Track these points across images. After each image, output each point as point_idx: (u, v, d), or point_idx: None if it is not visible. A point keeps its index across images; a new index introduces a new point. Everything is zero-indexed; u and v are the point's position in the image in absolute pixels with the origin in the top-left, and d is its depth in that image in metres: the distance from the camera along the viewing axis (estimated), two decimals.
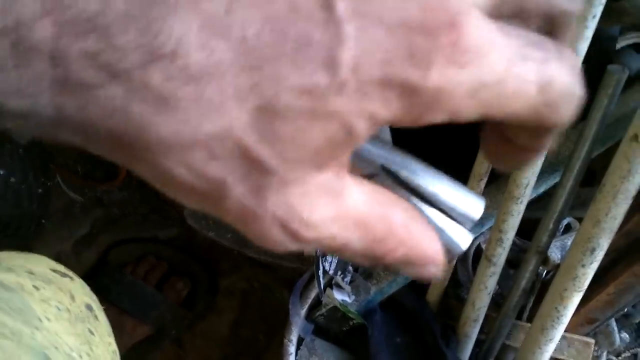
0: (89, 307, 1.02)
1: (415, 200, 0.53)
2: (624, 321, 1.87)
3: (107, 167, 2.14)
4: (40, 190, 1.76)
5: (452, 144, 1.86)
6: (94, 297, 1.07)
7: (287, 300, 1.59)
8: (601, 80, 1.14)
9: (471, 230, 0.53)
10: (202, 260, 2.18)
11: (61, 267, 1.04)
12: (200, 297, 2.14)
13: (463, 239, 0.53)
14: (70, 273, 1.06)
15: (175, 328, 2.06)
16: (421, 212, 0.53)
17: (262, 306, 2.13)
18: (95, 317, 1.02)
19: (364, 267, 1.56)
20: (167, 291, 2.07)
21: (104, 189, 2.17)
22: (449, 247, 0.54)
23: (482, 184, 1.41)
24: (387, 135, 1.17)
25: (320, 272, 1.44)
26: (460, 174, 1.37)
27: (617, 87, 1.13)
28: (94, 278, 2.01)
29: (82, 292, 1.04)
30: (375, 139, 0.54)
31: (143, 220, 2.19)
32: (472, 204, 0.54)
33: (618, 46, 1.82)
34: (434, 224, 0.53)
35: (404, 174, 0.53)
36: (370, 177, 0.53)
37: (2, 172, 1.62)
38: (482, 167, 1.39)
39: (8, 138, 1.67)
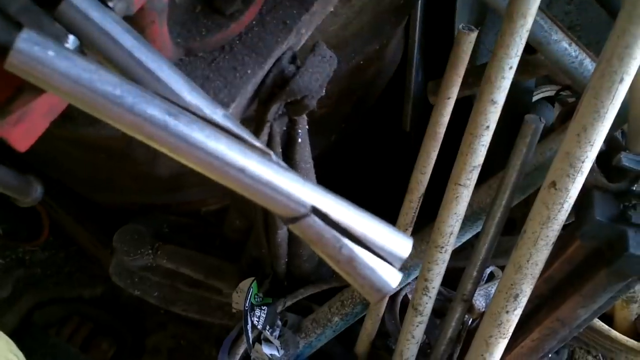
0: None
1: (346, 240, 0.54)
2: None
3: (29, 226, 2.10)
4: None
5: (377, 196, 1.89)
6: (20, 354, 1.04)
7: (215, 357, 1.57)
8: (519, 131, 1.18)
9: (401, 269, 0.54)
10: (127, 318, 2.14)
11: None
12: (126, 356, 2.10)
13: (393, 278, 0.54)
14: None
15: None
16: (352, 253, 0.54)
17: None
18: None
19: (293, 322, 1.56)
20: (92, 352, 2.03)
21: (26, 249, 2.13)
22: (379, 287, 0.55)
23: (407, 234, 1.43)
24: (313, 178, 1.18)
25: (249, 326, 1.43)
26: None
27: (535, 136, 1.16)
28: (16, 341, 1.96)
29: (6, 349, 1.01)
30: (306, 180, 0.55)
31: (67, 279, 2.15)
32: (400, 243, 0.55)
33: (534, 99, 1.89)
34: (365, 263, 0.54)
35: (333, 215, 0.54)
36: (302, 217, 0.54)
37: None
38: (406, 217, 1.41)
39: None
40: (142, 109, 0.51)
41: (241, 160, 0.53)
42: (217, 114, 0.55)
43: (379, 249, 0.54)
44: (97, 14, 0.54)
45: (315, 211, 0.54)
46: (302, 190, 0.54)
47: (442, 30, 1.72)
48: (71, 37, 0.56)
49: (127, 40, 0.56)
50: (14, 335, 1.98)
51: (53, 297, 2.12)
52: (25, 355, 1.92)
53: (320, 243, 0.55)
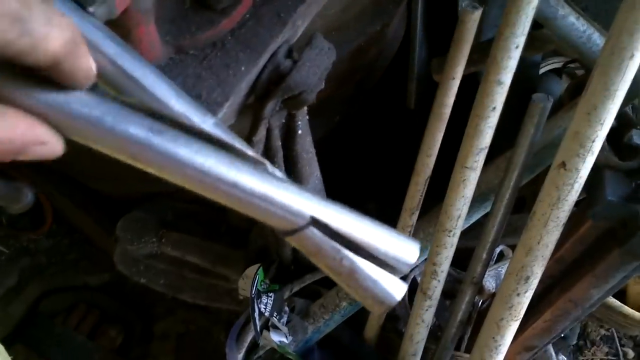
0: None
1: (347, 252, 0.52)
2: (561, 343, 1.88)
3: (33, 214, 2.09)
4: None
5: (384, 179, 1.86)
6: (0, 347, 1.03)
7: (224, 342, 1.56)
8: (527, 109, 1.15)
9: (406, 277, 0.52)
10: (135, 305, 2.13)
11: None
12: (134, 343, 2.09)
13: (397, 290, 0.52)
14: None
15: None
16: (353, 264, 0.52)
17: (199, 349, 2.09)
18: None
19: (301, 307, 1.54)
20: (100, 340, 2.02)
21: (31, 238, 2.12)
22: (382, 299, 0.53)
23: (414, 217, 1.41)
24: (315, 166, 1.13)
25: (256, 314, 1.41)
26: (393, 208, 1.37)
27: (543, 115, 1.14)
28: (23, 330, 1.96)
29: None
30: (303, 189, 0.52)
31: (73, 267, 2.14)
32: (406, 249, 0.53)
33: (540, 71, 1.85)
34: (367, 275, 0.52)
35: (334, 225, 0.52)
36: (299, 230, 0.52)
37: None
38: (413, 201, 1.39)
39: None
40: (123, 128, 0.48)
41: (233, 174, 0.50)
42: (206, 123, 0.52)
43: (383, 255, 0.52)
44: (76, 20, 0.51)
45: (314, 222, 0.52)
46: (299, 202, 0.51)
47: (445, 4, 1.68)
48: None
49: (110, 47, 0.52)
50: (21, 325, 1.99)
51: (59, 285, 2.11)
52: (33, 344, 1.92)
53: (320, 255, 0.53)
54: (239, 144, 0.52)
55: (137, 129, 0.48)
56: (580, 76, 1.80)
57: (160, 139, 0.48)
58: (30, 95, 0.46)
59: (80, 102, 0.47)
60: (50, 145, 0.48)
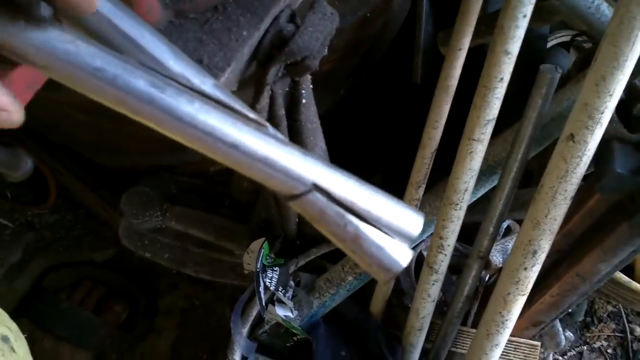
0: (4, 339, 0.97)
1: (351, 217, 0.50)
2: (567, 320, 1.88)
3: (37, 189, 2.08)
4: None
5: (390, 152, 1.85)
6: (13, 325, 1.01)
7: (229, 317, 1.55)
8: (534, 81, 1.13)
9: (412, 245, 0.51)
10: (139, 280, 2.13)
11: None
12: (139, 318, 2.09)
13: (403, 256, 0.51)
14: None
15: (115, 352, 2.01)
16: (358, 230, 0.50)
17: (203, 324, 2.08)
18: (12, 349, 0.97)
19: (306, 282, 1.53)
20: (105, 315, 2.01)
21: (35, 213, 2.11)
22: (388, 266, 0.51)
23: (420, 191, 1.40)
24: (320, 137, 1.12)
25: (261, 288, 1.41)
26: (399, 182, 1.36)
27: (551, 86, 1.12)
28: (28, 305, 1.95)
29: None
30: (306, 153, 0.51)
31: (77, 242, 2.13)
32: (409, 220, 0.51)
33: (548, 45, 1.83)
34: (372, 241, 0.51)
35: (337, 191, 0.50)
36: (302, 195, 0.51)
37: None
38: (419, 174, 1.37)
39: None
40: (125, 81, 0.47)
41: (235, 134, 0.49)
42: (206, 84, 0.51)
43: (386, 226, 0.51)
44: None
45: (317, 188, 0.50)
46: (302, 166, 0.50)
47: None
48: (43, 4, 0.52)
49: (105, 6, 0.51)
50: (25, 300, 1.98)
51: (64, 260, 2.10)
52: (37, 319, 1.92)
53: (323, 220, 0.51)
54: (240, 106, 0.51)
55: (139, 82, 0.47)
56: (588, 49, 1.77)
57: (162, 95, 0.48)
58: (30, 42, 0.46)
59: (81, 52, 0.47)
60: (9, 114, 0.48)
